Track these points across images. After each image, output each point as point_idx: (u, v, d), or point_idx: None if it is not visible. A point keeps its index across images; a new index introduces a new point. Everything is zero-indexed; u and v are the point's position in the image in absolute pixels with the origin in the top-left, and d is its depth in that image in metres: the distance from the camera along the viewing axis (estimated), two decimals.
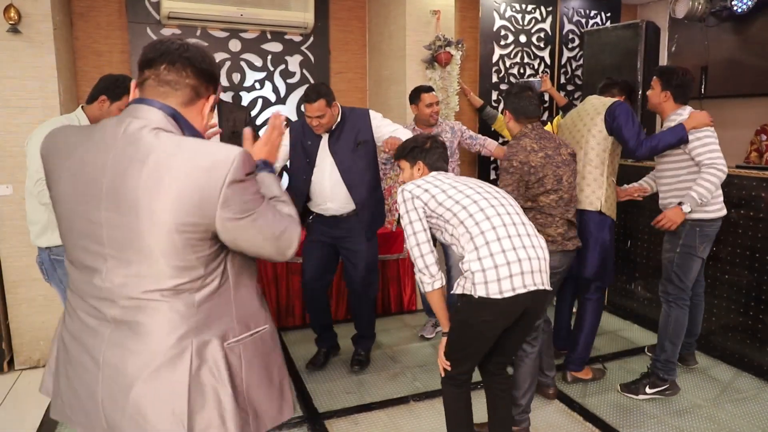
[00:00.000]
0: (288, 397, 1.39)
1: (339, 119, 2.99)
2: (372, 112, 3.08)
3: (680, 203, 2.75)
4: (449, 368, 2.14)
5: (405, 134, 2.96)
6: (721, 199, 2.84)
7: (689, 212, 2.75)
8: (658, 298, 3.86)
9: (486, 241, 1.93)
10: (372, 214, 3.11)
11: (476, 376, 2.28)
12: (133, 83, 1.24)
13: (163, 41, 1.23)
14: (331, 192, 3.01)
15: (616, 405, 2.90)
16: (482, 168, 4.81)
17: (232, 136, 3.23)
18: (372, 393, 3.02)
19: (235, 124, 3.26)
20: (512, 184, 2.49)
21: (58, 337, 1.31)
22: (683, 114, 2.80)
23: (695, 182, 2.72)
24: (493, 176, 4.87)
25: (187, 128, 1.22)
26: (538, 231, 2.22)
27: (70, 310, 1.27)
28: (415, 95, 3.47)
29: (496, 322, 2.00)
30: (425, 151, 2.24)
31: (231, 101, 3.31)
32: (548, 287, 2.02)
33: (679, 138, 2.74)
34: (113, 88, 2.45)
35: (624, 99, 3.08)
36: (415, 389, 3.06)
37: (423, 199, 2.06)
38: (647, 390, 2.93)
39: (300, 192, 3.07)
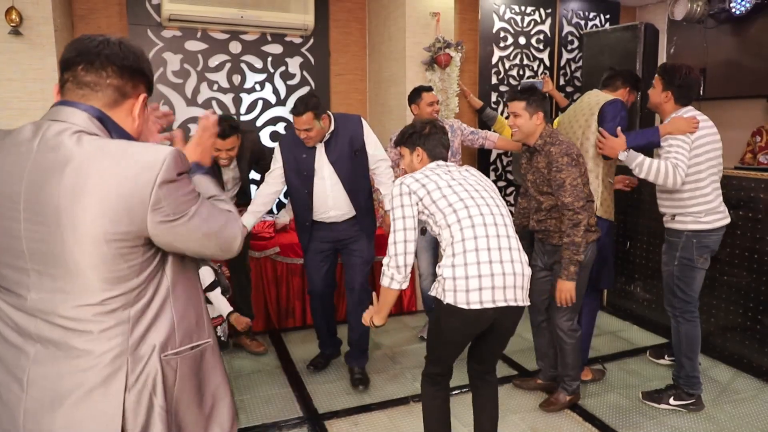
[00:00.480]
0: (225, 422, 1.29)
1: (332, 128, 2.93)
2: (364, 121, 3.04)
3: (627, 149, 2.69)
4: (371, 325, 2.20)
5: (386, 174, 3.07)
6: (722, 208, 2.74)
7: (624, 159, 2.68)
8: (657, 299, 3.88)
9: (464, 249, 1.92)
10: (372, 219, 3.15)
11: (461, 380, 2.28)
12: (55, 88, 1.16)
13: (82, 39, 1.13)
14: (333, 201, 2.99)
15: (615, 406, 2.91)
16: (482, 169, 4.82)
17: (235, 180, 3.30)
18: (372, 394, 3.03)
19: (243, 162, 3.27)
20: (580, 175, 2.53)
21: None
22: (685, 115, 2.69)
23: (658, 160, 2.64)
24: (492, 177, 4.88)
25: (115, 131, 1.13)
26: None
27: None
28: (416, 94, 3.47)
29: (464, 330, 2.01)
30: (424, 136, 2.19)
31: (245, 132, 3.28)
32: (522, 303, 1.99)
33: (649, 141, 2.70)
34: None
35: (628, 91, 2.99)
36: (415, 390, 3.06)
37: (419, 195, 2.03)
38: (671, 401, 2.83)
39: (305, 206, 3.03)
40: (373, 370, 3.31)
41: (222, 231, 1.17)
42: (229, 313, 2.87)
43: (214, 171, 3.16)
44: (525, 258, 2.02)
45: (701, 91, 4.74)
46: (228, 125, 2.95)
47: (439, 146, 2.21)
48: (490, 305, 1.90)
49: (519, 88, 2.78)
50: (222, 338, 2.79)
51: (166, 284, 1.16)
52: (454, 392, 3.01)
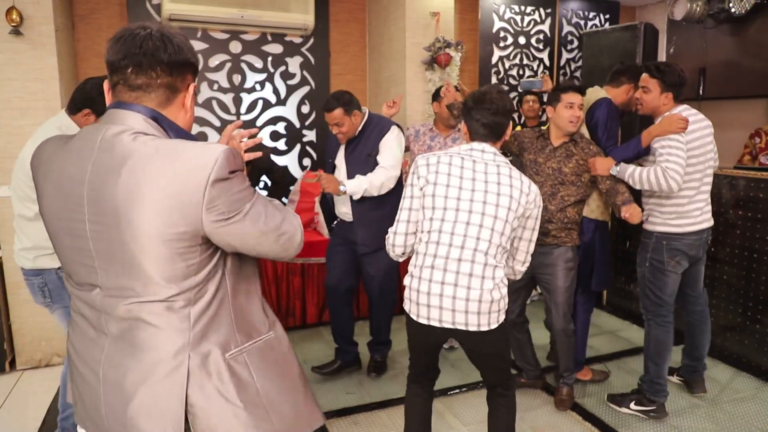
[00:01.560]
0: (315, 405, 1.32)
1: (362, 127, 2.95)
2: (391, 133, 2.97)
3: (617, 163, 2.64)
4: None
5: (377, 171, 2.90)
6: (698, 213, 2.63)
7: (617, 174, 2.62)
8: None
9: (422, 264, 1.90)
10: (370, 229, 2.98)
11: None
12: (106, 86, 1.15)
13: (124, 37, 1.10)
14: (343, 197, 3.00)
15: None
16: None
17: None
18: (372, 393, 3.03)
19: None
20: None
21: (67, 350, 1.29)
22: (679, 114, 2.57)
23: (648, 167, 2.55)
24: None
25: (171, 129, 1.14)
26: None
27: (73, 324, 1.25)
28: (438, 93, 3.38)
29: (418, 339, 2.02)
30: (468, 110, 2.00)
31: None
32: (474, 329, 1.86)
33: (636, 153, 2.67)
34: (100, 102, 2.13)
35: (632, 86, 2.92)
36: None
37: (426, 179, 1.94)
38: (632, 405, 2.79)
39: (329, 195, 3.15)
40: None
41: (280, 228, 1.16)
42: None
43: None
44: (486, 285, 1.85)
45: (701, 91, 4.75)
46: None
47: (482, 126, 1.96)
48: (436, 324, 1.88)
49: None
50: None
51: (226, 283, 1.17)
52: (453, 392, 3.03)
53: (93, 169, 1.07)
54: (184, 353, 1.11)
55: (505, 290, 1.90)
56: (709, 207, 2.71)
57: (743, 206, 3.24)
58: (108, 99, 1.15)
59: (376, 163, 2.96)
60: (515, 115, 4.84)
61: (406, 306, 1.97)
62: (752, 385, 3.12)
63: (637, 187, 2.62)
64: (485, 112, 1.94)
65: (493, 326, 1.88)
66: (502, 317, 1.92)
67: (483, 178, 1.90)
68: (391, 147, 2.96)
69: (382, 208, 2.96)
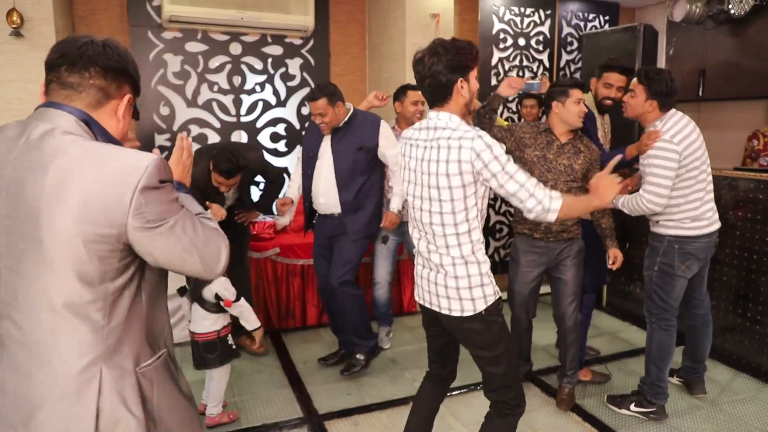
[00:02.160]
0: (199, 424, 1.31)
1: (347, 119, 3.03)
2: (384, 125, 3.09)
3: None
4: None
5: (399, 174, 2.90)
6: (710, 214, 2.64)
7: (612, 205, 2.66)
8: None
9: (416, 251, 2.00)
10: (357, 220, 3.10)
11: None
12: (40, 86, 1.16)
13: (66, 40, 1.13)
14: (324, 188, 3.08)
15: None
16: None
17: (237, 198, 3.28)
18: (372, 394, 3.03)
19: (243, 182, 3.22)
20: None
21: None
22: (668, 121, 2.54)
23: (635, 194, 2.60)
24: None
25: (100, 134, 1.13)
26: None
27: None
28: (401, 92, 3.42)
29: (424, 321, 2.10)
30: (415, 70, 1.84)
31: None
32: (452, 313, 1.85)
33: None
34: None
35: (596, 79, 3.04)
36: (415, 391, 3.04)
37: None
38: (632, 407, 2.80)
39: (307, 187, 3.18)
40: (373, 371, 3.31)
41: (206, 247, 1.14)
42: (256, 328, 2.72)
43: (217, 195, 3.10)
44: (449, 270, 1.83)
45: (700, 93, 4.75)
46: (235, 166, 2.91)
47: (424, 87, 1.81)
48: (427, 305, 1.96)
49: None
50: (233, 347, 2.72)
51: (142, 294, 1.15)
52: (453, 392, 3.03)
53: (15, 164, 1.06)
54: (96, 366, 1.08)
55: (477, 279, 1.81)
56: (715, 207, 2.71)
57: (743, 207, 3.24)
58: (41, 100, 1.15)
59: (366, 156, 3.05)
60: (515, 116, 4.85)
61: (416, 291, 2.04)
62: (752, 386, 3.12)
63: (634, 215, 2.65)
64: (419, 76, 1.80)
65: (467, 313, 1.82)
66: (480, 306, 1.82)
67: (421, 167, 1.81)
68: (392, 140, 3.08)
69: (369, 198, 3.13)
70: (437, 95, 1.79)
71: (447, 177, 1.74)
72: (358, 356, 3.24)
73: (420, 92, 3.36)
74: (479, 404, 2.86)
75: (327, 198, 3.10)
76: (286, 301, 3.92)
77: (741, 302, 3.29)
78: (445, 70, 1.74)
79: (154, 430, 1.15)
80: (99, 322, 1.08)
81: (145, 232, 1.05)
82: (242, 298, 2.63)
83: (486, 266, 1.85)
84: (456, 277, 1.82)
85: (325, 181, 3.08)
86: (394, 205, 3.20)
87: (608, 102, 3.01)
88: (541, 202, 1.74)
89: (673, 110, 2.60)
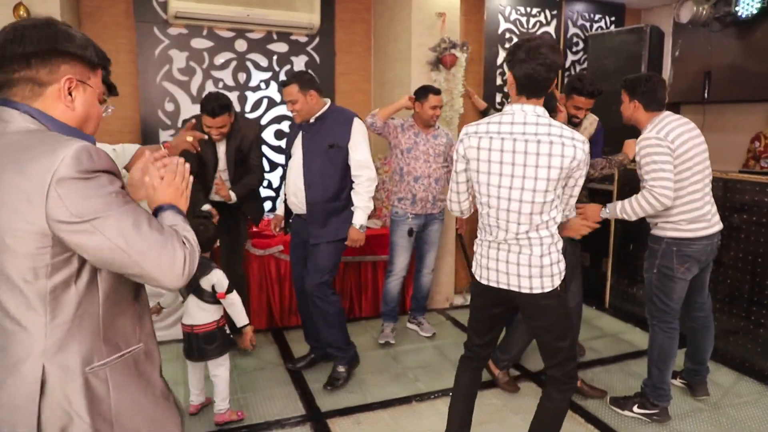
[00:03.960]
0: (175, 417, 1.26)
1: (321, 113, 2.93)
2: (357, 123, 2.97)
3: (605, 204, 2.65)
4: None
5: (364, 186, 2.94)
6: (709, 216, 2.63)
7: (609, 216, 2.62)
8: None
9: (482, 237, 2.14)
10: (323, 222, 2.96)
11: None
12: None
13: None
14: (294, 186, 3.01)
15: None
16: None
17: (237, 154, 3.28)
18: (374, 393, 3.03)
19: (241, 142, 3.28)
20: None
21: None
22: (658, 124, 2.58)
23: (633, 196, 2.57)
24: None
25: (49, 122, 1.07)
26: None
27: None
28: (423, 94, 3.47)
29: (479, 300, 2.19)
30: (517, 62, 1.91)
31: (244, 116, 3.33)
32: (533, 291, 1.98)
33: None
34: None
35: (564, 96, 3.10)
36: (417, 390, 3.07)
37: (467, 158, 2.06)
38: (635, 408, 2.79)
39: (286, 183, 3.14)
40: (375, 370, 3.32)
41: (149, 251, 1.03)
42: (245, 325, 2.70)
43: (210, 146, 3.20)
44: (535, 251, 1.98)
45: (706, 95, 4.74)
46: (218, 105, 3.06)
47: (531, 77, 1.88)
48: (494, 285, 2.08)
49: None
50: (231, 336, 2.74)
51: (97, 291, 1.09)
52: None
53: None
54: (38, 362, 1.04)
55: (556, 255, 1.99)
56: (716, 209, 2.70)
57: (746, 210, 3.23)
58: None
59: (339, 154, 2.92)
60: None
61: (475, 272, 2.14)
62: (755, 389, 3.12)
63: (634, 219, 2.60)
64: (533, 64, 1.86)
65: (546, 289, 1.98)
66: (557, 282, 1.99)
67: (522, 160, 1.89)
68: (363, 144, 2.96)
69: (337, 200, 2.98)
70: (540, 89, 1.91)
71: (548, 169, 1.87)
72: (339, 369, 3.09)
73: (440, 97, 3.47)
74: (484, 404, 2.86)
75: (297, 197, 3.00)
76: (289, 299, 3.92)
77: (744, 305, 3.28)
78: (553, 67, 1.89)
79: (107, 429, 1.10)
80: (41, 319, 1.04)
81: (67, 227, 0.98)
82: (234, 292, 2.63)
83: (561, 244, 2.03)
84: (541, 256, 1.96)
85: (295, 178, 2.99)
86: (358, 220, 2.97)
87: (576, 120, 3.11)
88: (572, 211, 2.12)
89: (666, 113, 2.64)
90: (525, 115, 1.91)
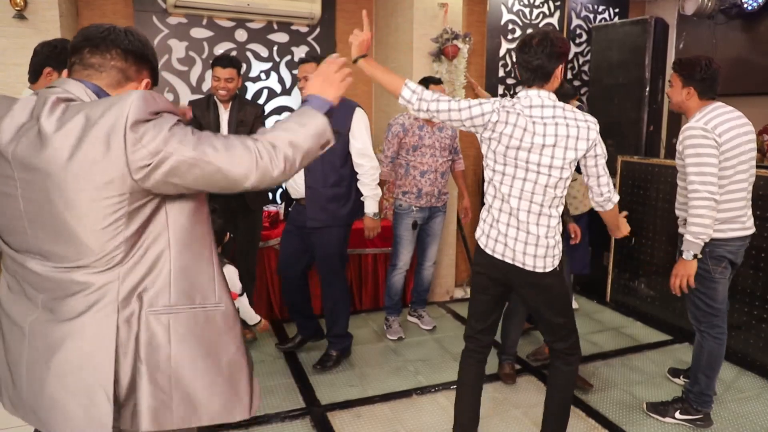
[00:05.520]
0: (244, 396, 1.23)
1: None
2: (359, 112, 3.00)
3: (681, 251, 2.46)
4: None
5: (368, 175, 2.99)
6: (745, 219, 2.51)
7: (695, 257, 2.41)
8: (661, 296, 3.87)
9: (490, 206, 2.18)
10: (322, 207, 2.98)
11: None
12: (63, 72, 1.21)
13: (90, 26, 1.19)
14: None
15: (619, 402, 2.90)
16: None
17: (239, 124, 3.27)
18: (374, 386, 3.02)
19: (245, 114, 3.28)
20: None
21: None
22: (708, 114, 2.42)
23: (687, 214, 2.40)
24: None
25: None
26: None
27: (2, 288, 1.25)
28: (424, 85, 3.43)
29: (484, 272, 2.20)
30: (519, 54, 2.07)
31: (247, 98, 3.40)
32: (536, 270, 2.07)
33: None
34: (55, 56, 2.10)
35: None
36: (418, 383, 3.06)
37: (492, 129, 2.08)
38: (677, 415, 2.68)
39: None
40: (375, 363, 3.30)
41: (227, 151, 1.09)
42: (256, 324, 2.77)
43: (213, 113, 3.26)
44: (541, 231, 2.08)
45: None
46: (229, 59, 3.19)
47: (525, 68, 2.04)
48: (499, 256, 2.14)
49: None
50: None
51: (165, 237, 1.13)
52: (452, 387, 3.01)
53: (25, 132, 1.07)
54: (112, 306, 1.09)
55: (558, 237, 2.11)
56: (751, 211, 2.58)
57: (752, 205, 3.19)
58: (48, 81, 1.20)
59: (338, 144, 2.94)
60: None
61: (480, 240, 2.18)
62: (757, 384, 3.11)
63: (710, 231, 2.38)
64: (526, 56, 2.02)
65: (548, 269, 2.08)
66: (557, 262, 2.11)
67: (541, 141, 2.00)
68: (364, 133, 2.99)
69: (338, 187, 2.99)
70: (542, 77, 2.03)
71: (575, 151, 2.01)
72: (331, 352, 3.19)
73: (441, 86, 3.46)
74: (485, 398, 2.83)
75: (295, 181, 3.05)
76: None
77: (747, 300, 3.26)
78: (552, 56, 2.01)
79: (160, 384, 1.12)
80: (116, 267, 1.09)
81: (148, 168, 1.04)
82: (245, 294, 2.69)
83: (561, 228, 2.13)
84: (546, 237, 2.06)
85: None
86: (370, 208, 3.06)
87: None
88: (611, 190, 2.14)
89: (718, 103, 2.48)
90: (541, 100, 2.03)
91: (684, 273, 2.44)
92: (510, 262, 2.10)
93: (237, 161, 1.09)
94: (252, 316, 2.73)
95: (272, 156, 1.12)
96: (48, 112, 1.05)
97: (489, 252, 2.14)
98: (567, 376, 2.24)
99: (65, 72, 1.20)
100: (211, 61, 3.27)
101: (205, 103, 3.26)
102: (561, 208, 2.11)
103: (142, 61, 1.22)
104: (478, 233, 2.20)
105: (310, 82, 1.33)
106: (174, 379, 1.13)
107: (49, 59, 2.10)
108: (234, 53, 4.15)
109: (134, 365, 1.11)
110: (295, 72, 4.36)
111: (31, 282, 1.15)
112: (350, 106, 3.00)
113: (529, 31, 4.77)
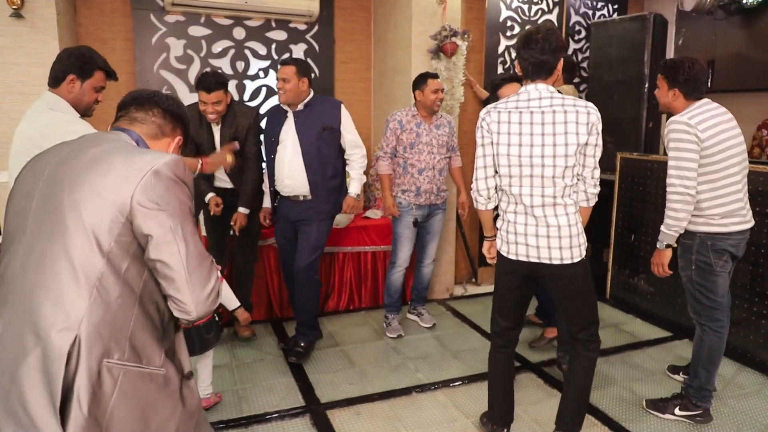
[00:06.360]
0: None
1: (308, 101, 3.15)
2: (343, 108, 3.25)
3: (677, 247, 2.58)
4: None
5: (359, 161, 3.26)
6: (744, 212, 2.53)
7: (669, 246, 2.54)
8: (661, 293, 3.87)
9: (506, 210, 2.26)
10: (326, 200, 3.21)
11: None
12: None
13: (139, 90, 1.45)
14: (289, 169, 3.15)
15: (619, 399, 2.90)
16: None
17: (232, 139, 3.24)
18: (374, 384, 3.02)
19: (237, 130, 3.26)
20: None
21: None
22: (693, 110, 2.46)
23: (666, 208, 2.50)
24: None
25: None
26: None
27: None
28: (422, 80, 3.44)
29: (507, 276, 2.27)
30: (518, 50, 2.15)
31: (237, 102, 3.35)
32: (564, 261, 2.12)
33: None
34: (81, 65, 2.12)
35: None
36: (417, 381, 3.06)
37: (491, 133, 2.18)
38: (676, 411, 2.67)
39: (270, 173, 3.27)
40: (375, 361, 3.31)
41: (198, 264, 1.20)
42: (235, 309, 2.82)
43: (206, 130, 3.23)
44: (562, 221, 2.13)
45: (709, 84, 4.69)
46: (214, 80, 3.07)
47: (528, 63, 2.10)
48: (524, 258, 2.19)
49: None
50: (218, 321, 2.77)
51: (136, 292, 1.18)
52: (455, 383, 3.02)
53: (65, 153, 1.26)
54: (72, 334, 1.09)
55: (581, 226, 2.16)
56: (749, 205, 2.60)
57: (751, 200, 3.19)
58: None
59: (331, 136, 3.17)
60: None
61: (502, 249, 2.23)
62: (757, 380, 3.11)
63: (684, 225, 2.49)
64: (532, 51, 2.07)
65: (576, 259, 2.13)
66: (583, 251, 2.15)
67: (540, 130, 2.06)
68: (351, 124, 3.26)
69: (334, 179, 3.24)
70: (543, 71, 2.10)
71: (576, 135, 2.04)
72: (301, 344, 3.28)
73: (439, 81, 3.50)
74: (481, 395, 2.85)
75: (293, 179, 3.16)
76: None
77: (746, 296, 3.26)
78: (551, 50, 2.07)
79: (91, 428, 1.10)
80: (84, 295, 1.12)
81: (144, 209, 1.15)
82: (224, 281, 2.74)
83: (579, 216, 2.18)
84: (569, 226, 2.11)
85: (290, 162, 3.14)
86: (354, 189, 3.31)
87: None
88: (597, 182, 2.16)
89: (705, 100, 2.51)
90: (539, 92, 2.09)
91: (658, 262, 2.63)
92: (535, 261, 2.14)
93: (201, 287, 1.21)
94: (232, 300, 2.79)
95: (214, 299, 1.24)
96: (96, 143, 1.26)
97: (512, 257, 2.19)
98: (589, 361, 2.30)
99: (110, 127, 1.40)
100: (194, 82, 3.27)
101: (197, 119, 3.16)
102: (575, 196, 2.14)
103: (178, 121, 1.43)
104: (498, 244, 2.25)
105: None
106: (107, 427, 1.12)
107: (74, 67, 2.13)
108: (232, 51, 4.14)
109: (72, 408, 1.08)
110: None
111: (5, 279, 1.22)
112: (335, 103, 3.26)
113: (528, 28, 4.76)
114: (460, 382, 3.03)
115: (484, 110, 2.18)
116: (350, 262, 4.04)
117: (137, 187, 1.14)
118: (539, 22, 4.82)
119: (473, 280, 4.80)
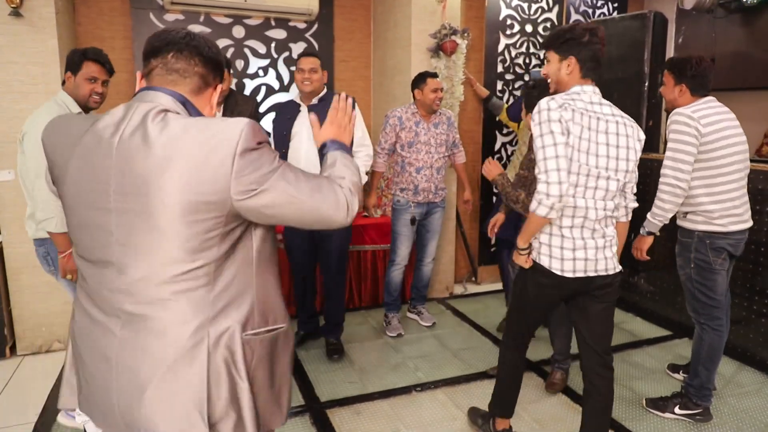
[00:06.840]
0: (284, 406, 1.32)
1: (323, 95, 3.16)
2: (356, 105, 3.22)
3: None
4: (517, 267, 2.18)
5: (363, 160, 3.18)
6: (741, 212, 2.53)
7: (652, 234, 2.62)
8: (660, 291, 3.87)
9: (562, 225, 2.08)
10: None
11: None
12: (138, 74, 1.24)
13: (168, 30, 1.22)
14: (305, 164, 3.09)
15: (619, 397, 2.89)
16: (487, 155, 4.78)
17: None
18: (374, 383, 3.02)
19: (239, 114, 3.24)
20: None
21: (70, 334, 1.27)
22: (696, 106, 2.47)
23: (656, 197, 2.53)
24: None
25: (196, 114, 1.20)
26: None
27: (78, 306, 1.23)
28: (421, 79, 3.43)
29: (549, 292, 2.14)
30: (581, 45, 1.95)
31: (237, 91, 3.35)
32: (616, 269, 2.08)
33: None
34: (70, 61, 2.40)
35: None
36: (418, 379, 3.06)
37: (566, 131, 1.90)
38: (676, 410, 2.68)
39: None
40: (375, 360, 3.30)
41: (314, 194, 1.15)
42: None
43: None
44: (610, 232, 2.10)
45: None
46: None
47: (593, 62, 1.98)
48: (581, 274, 2.07)
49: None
50: None
51: (253, 261, 1.19)
52: (455, 383, 3.01)
53: (121, 143, 1.10)
54: (204, 330, 1.12)
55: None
56: (749, 205, 2.61)
57: (751, 199, 3.19)
58: (139, 85, 1.22)
59: None
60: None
61: (553, 266, 2.02)
62: (757, 379, 3.11)
63: (670, 216, 2.55)
64: (596, 46, 1.96)
65: (618, 268, 2.09)
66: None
67: (605, 140, 1.94)
68: (362, 122, 3.24)
69: None
70: (598, 69, 2.00)
71: (635, 152, 2.00)
72: (334, 341, 3.38)
73: (438, 80, 3.45)
74: (481, 393, 2.85)
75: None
76: (289, 288, 3.89)
77: (746, 295, 3.26)
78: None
79: (253, 402, 1.18)
80: (207, 289, 1.12)
81: (250, 194, 1.08)
82: None
83: None
84: (613, 237, 2.07)
85: (307, 156, 3.11)
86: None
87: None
88: (635, 198, 2.16)
89: (710, 98, 2.53)
90: (597, 96, 1.99)
91: (638, 246, 2.72)
92: (594, 274, 2.03)
93: (329, 202, 1.16)
94: None
95: (350, 197, 1.20)
96: (152, 118, 1.10)
97: (569, 275, 2.01)
98: (609, 389, 2.17)
99: (139, 75, 1.23)
100: None
101: None
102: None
103: (218, 68, 1.26)
104: (545, 261, 2.03)
105: (325, 129, 1.40)
106: (254, 396, 1.20)
107: (67, 65, 2.41)
108: (232, 50, 4.14)
109: (231, 384, 1.15)
110: (293, 69, 4.34)
111: (107, 301, 1.16)
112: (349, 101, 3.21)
113: (528, 26, 4.75)
114: (460, 381, 3.02)
115: (553, 102, 1.90)
116: (350, 261, 4.03)
117: (232, 179, 1.06)
118: (539, 20, 4.81)
119: (473, 278, 4.80)
